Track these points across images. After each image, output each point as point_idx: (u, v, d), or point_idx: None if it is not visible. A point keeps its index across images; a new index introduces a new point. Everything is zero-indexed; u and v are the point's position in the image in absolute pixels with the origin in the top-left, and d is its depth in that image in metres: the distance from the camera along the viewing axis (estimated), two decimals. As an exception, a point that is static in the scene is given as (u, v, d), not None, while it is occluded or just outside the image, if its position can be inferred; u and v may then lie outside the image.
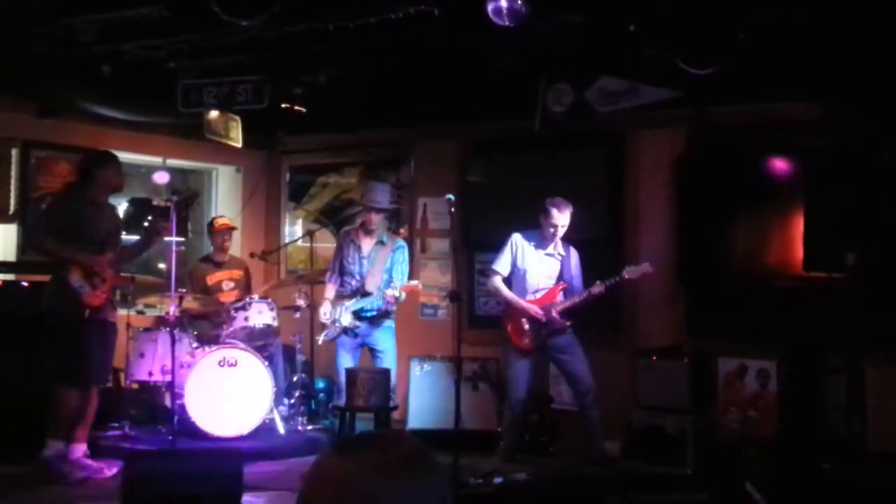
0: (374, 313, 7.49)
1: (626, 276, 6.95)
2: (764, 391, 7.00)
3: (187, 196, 7.51)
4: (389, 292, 7.28)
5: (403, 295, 7.36)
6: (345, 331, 7.48)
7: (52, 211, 6.89)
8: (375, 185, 7.90)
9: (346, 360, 7.44)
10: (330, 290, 7.62)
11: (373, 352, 7.55)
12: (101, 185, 6.72)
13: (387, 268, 7.51)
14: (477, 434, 7.57)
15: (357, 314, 7.46)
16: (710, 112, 7.43)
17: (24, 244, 7.74)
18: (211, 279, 8.51)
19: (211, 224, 8.66)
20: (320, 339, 7.62)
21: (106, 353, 6.74)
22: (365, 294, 7.44)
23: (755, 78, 6.83)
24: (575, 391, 7.21)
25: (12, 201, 7.78)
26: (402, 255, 7.63)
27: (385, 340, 7.52)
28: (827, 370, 6.74)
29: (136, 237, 7.09)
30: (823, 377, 6.76)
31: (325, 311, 7.53)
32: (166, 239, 7.30)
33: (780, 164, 7.28)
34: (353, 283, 7.52)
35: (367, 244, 7.56)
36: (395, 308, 7.55)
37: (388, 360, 7.47)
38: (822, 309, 6.68)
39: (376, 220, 7.53)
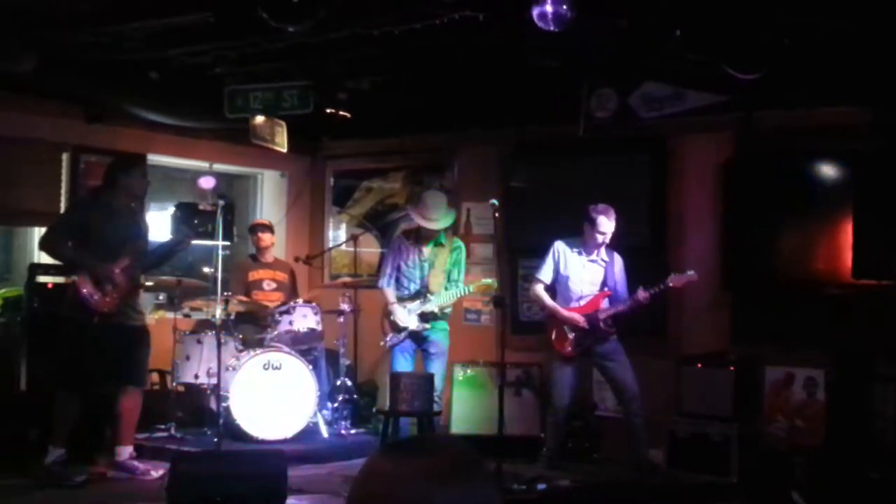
0: (439, 314, 7.42)
1: (671, 284, 6.90)
2: (811, 400, 6.92)
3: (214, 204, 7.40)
4: (461, 292, 7.31)
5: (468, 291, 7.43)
6: (410, 335, 7.39)
7: (68, 216, 6.94)
8: (431, 199, 7.54)
9: (403, 364, 7.35)
10: (392, 295, 7.46)
11: (425, 353, 7.45)
12: (123, 190, 6.78)
13: (447, 268, 7.44)
14: (520, 440, 7.54)
15: (423, 316, 7.38)
16: (756, 117, 7.36)
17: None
18: (252, 275, 8.59)
19: (250, 226, 8.78)
20: (386, 342, 7.44)
21: (128, 357, 6.77)
22: (428, 295, 7.37)
23: (801, 82, 6.75)
24: (620, 398, 7.16)
25: (63, 205, 7.89)
26: (460, 255, 7.53)
27: (440, 342, 7.43)
28: (875, 378, 6.64)
29: (185, 246, 7.16)
30: (871, 385, 6.66)
31: (401, 315, 7.35)
32: (211, 243, 7.37)
33: (827, 169, 7.19)
34: (413, 286, 7.44)
35: (426, 247, 7.46)
36: (450, 310, 7.52)
37: (441, 362, 7.40)
38: (870, 317, 6.60)
39: (434, 232, 7.43)
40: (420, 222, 7.43)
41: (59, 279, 7.45)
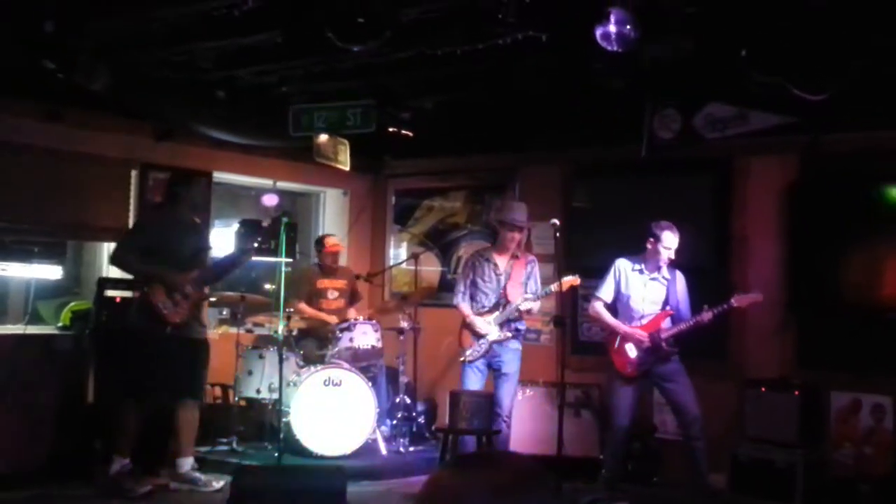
0: (522, 325, 7.42)
1: (735, 304, 6.81)
2: (879, 427, 6.78)
3: (275, 219, 7.41)
4: (544, 292, 7.31)
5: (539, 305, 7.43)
6: (489, 348, 7.31)
7: (137, 230, 7.12)
8: (514, 203, 7.74)
9: (474, 382, 7.29)
10: (467, 307, 7.42)
11: (497, 373, 7.36)
12: (185, 203, 6.93)
13: (523, 280, 7.41)
14: (579, 461, 7.49)
15: (502, 325, 7.32)
16: (823, 139, 7.26)
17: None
18: (319, 284, 8.68)
19: (321, 241, 8.82)
20: (466, 356, 7.36)
21: (192, 370, 6.88)
22: (506, 304, 7.31)
23: (870, 104, 6.66)
24: (680, 420, 7.07)
25: (131, 220, 8.04)
26: (534, 268, 7.49)
27: (512, 363, 7.35)
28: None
29: (247, 258, 7.28)
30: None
31: (480, 324, 7.31)
32: (273, 260, 7.46)
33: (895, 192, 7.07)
34: (490, 300, 7.37)
35: (502, 261, 7.43)
36: (525, 327, 7.50)
37: (511, 382, 7.34)
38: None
39: (518, 238, 7.39)
40: (508, 221, 7.39)
41: (127, 293, 7.59)
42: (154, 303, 6.60)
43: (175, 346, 6.69)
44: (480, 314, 7.36)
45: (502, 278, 7.40)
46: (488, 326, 7.31)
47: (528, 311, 7.42)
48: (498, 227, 7.63)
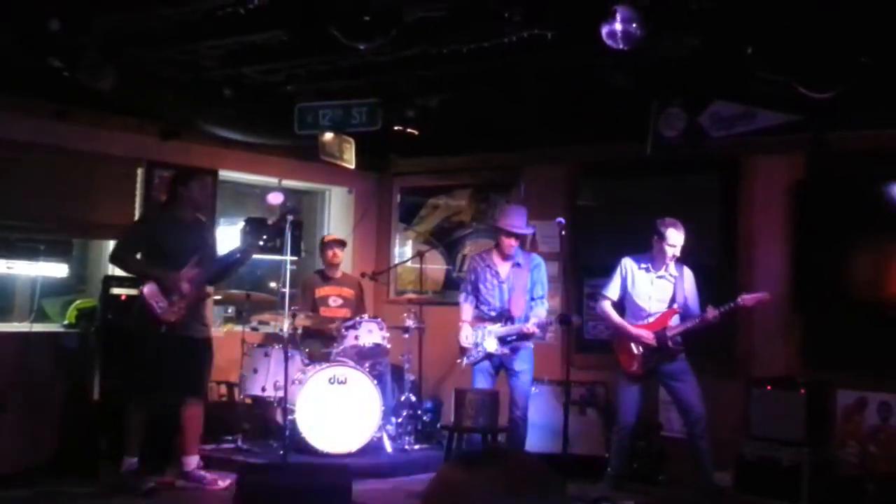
0: (516, 338, 7.20)
1: (741, 303, 6.80)
2: (885, 425, 6.77)
3: (284, 213, 7.39)
4: (530, 325, 7.08)
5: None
6: (488, 356, 7.17)
7: (135, 228, 7.12)
8: (512, 208, 7.53)
9: (483, 384, 7.16)
10: (467, 312, 7.32)
11: (509, 372, 7.23)
12: (186, 201, 6.89)
13: (528, 289, 7.25)
14: (584, 459, 7.48)
15: (503, 340, 7.18)
16: (830, 137, 7.24)
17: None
18: (319, 292, 8.67)
19: (321, 240, 8.84)
20: (462, 362, 7.28)
21: (193, 369, 6.83)
22: (510, 319, 7.17)
23: (877, 102, 6.64)
24: (686, 419, 7.07)
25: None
26: (540, 273, 7.30)
27: (523, 361, 7.20)
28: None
29: (255, 256, 7.30)
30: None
31: (466, 335, 7.22)
32: (279, 258, 7.47)
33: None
34: (494, 309, 7.22)
35: (504, 268, 7.26)
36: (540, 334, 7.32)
37: (525, 380, 7.22)
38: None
39: (515, 244, 7.20)
40: (503, 227, 7.23)
41: (132, 291, 7.59)
42: (147, 301, 6.56)
43: (173, 346, 6.63)
44: (485, 320, 7.26)
45: (505, 287, 7.23)
46: (479, 337, 7.16)
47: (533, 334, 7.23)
48: (495, 232, 7.51)
